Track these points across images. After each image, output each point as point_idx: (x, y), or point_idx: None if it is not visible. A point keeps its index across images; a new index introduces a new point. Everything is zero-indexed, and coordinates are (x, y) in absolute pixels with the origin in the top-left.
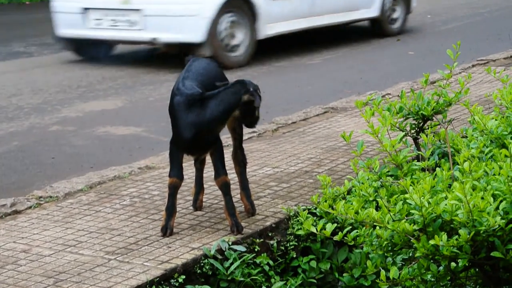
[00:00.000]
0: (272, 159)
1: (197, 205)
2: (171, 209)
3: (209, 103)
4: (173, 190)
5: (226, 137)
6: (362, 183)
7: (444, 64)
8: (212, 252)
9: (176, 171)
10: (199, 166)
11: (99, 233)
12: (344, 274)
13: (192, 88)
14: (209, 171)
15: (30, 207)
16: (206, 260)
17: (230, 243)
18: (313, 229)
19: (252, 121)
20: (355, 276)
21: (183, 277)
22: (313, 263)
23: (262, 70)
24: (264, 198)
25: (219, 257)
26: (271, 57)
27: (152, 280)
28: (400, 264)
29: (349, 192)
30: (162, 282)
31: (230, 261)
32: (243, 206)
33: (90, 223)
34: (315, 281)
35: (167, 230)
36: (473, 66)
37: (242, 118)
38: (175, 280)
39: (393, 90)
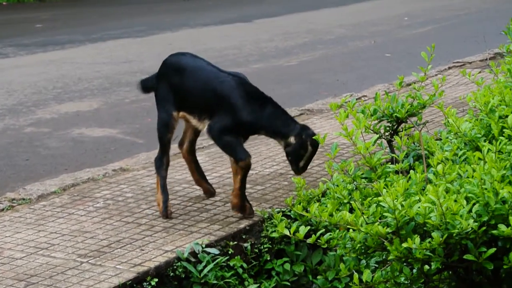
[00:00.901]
0: None
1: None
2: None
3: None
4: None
5: (201, 139)
6: (337, 186)
7: (418, 67)
8: (185, 255)
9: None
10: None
11: (72, 236)
12: (318, 277)
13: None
14: (184, 173)
15: (2, 210)
16: (179, 263)
17: (203, 246)
18: (287, 232)
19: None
20: (329, 278)
21: (156, 280)
22: (287, 266)
23: None
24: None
25: (192, 260)
26: (248, 59)
27: (125, 283)
28: (374, 267)
29: (324, 194)
30: (135, 285)
31: (204, 264)
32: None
33: (63, 226)
34: (289, 283)
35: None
36: (449, 68)
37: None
38: (147, 283)
39: (370, 92)
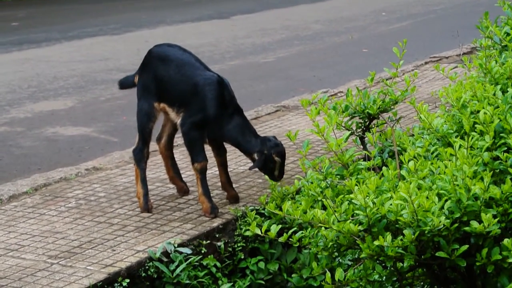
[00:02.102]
0: None
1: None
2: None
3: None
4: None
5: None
6: (311, 183)
7: (390, 62)
8: (157, 255)
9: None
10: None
11: (43, 237)
12: (293, 275)
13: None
14: (158, 171)
15: None
16: (151, 263)
17: (176, 245)
18: (258, 231)
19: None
20: (304, 276)
21: (127, 280)
22: (262, 264)
23: (214, 69)
24: (212, 198)
25: (165, 259)
26: (225, 55)
27: (95, 285)
28: (347, 266)
29: (298, 191)
30: (105, 286)
31: (176, 263)
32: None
33: (34, 227)
34: (263, 282)
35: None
36: (426, 63)
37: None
38: (119, 284)
39: (346, 88)
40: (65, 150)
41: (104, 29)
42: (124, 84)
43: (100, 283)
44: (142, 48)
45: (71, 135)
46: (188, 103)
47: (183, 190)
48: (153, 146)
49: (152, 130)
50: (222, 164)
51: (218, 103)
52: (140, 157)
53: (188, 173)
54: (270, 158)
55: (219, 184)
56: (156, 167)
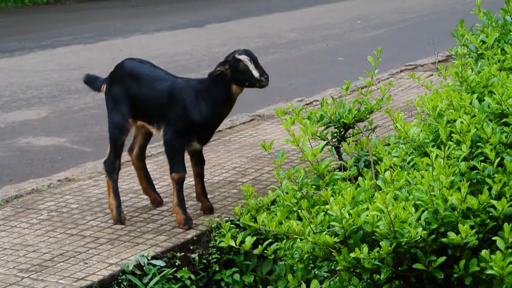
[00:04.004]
0: None
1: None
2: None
3: None
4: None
5: (150, 146)
6: (287, 193)
7: (365, 71)
8: (130, 268)
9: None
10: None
11: (13, 250)
12: (268, 287)
13: None
14: (131, 182)
15: None
16: (124, 276)
17: (149, 257)
18: (233, 243)
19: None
20: None
21: None
22: (237, 276)
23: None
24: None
25: (138, 272)
26: (200, 64)
27: None
28: (323, 278)
29: (274, 202)
30: None
31: (149, 276)
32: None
33: (4, 239)
34: None
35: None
36: (401, 71)
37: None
38: None
39: (322, 96)
40: (38, 160)
41: (78, 38)
42: (90, 83)
43: None
44: (116, 57)
45: (44, 145)
46: (167, 115)
47: (156, 201)
48: (127, 156)
49: (124, 143)
50: (199, 175)
51: (199, 103)
52: (112, 168)
53: (161, 184)
54: (234, 61)
55: (194, 195)
56: (129, 177)
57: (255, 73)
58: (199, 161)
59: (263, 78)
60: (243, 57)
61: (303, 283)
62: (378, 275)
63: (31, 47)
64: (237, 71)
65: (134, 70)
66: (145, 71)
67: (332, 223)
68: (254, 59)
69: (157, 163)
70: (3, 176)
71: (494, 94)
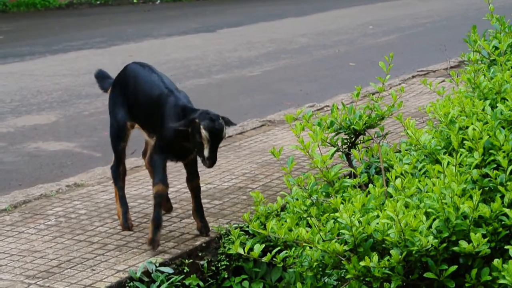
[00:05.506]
0: (205, 175)
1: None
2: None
3: None
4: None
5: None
6: (296, 199)
7: (376, 77)
8: (138, 275)
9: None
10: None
11: (21, 256)
12: None
13: None
14: (140, 188)
15: None
16: (131, 283)
17: (157, 264)
18: (241, 251)
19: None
20: None
21: None
22: (246, 283)
23: (200, 83)
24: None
25: (146, 279)
26: (211, 69)
27: None
28: (332, 286)
29: (283, 208)
30: None
31: (157, 283)
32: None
33: (12, 245)
34: None
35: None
36: (413, 77)
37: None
38: None
39: (332, 102)
40: (47, 165)
41: (89, 42)
42: (99, 80)
43: None
44: (127, 62)
45: (53, 150)
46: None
47: (166, 207)
48: (136, 162)
49: (124, 149)
50: (193, 190)
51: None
52: (116, 175)
53: (170, 190)
54: (197, 128)
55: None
56: (138, 183)
57: (205, 153)
58: (190, 175)
59: (207, 162)
60: (204, 133)
61: None
62: (388, 284)
63: (42, 51)
64: (193, 136)
65: (134, 74)
66: (143, 75)
67: (341, 231)
68: (214, 139)
69: (168, 169)
70: (12, 181)
71: (507, 100)
